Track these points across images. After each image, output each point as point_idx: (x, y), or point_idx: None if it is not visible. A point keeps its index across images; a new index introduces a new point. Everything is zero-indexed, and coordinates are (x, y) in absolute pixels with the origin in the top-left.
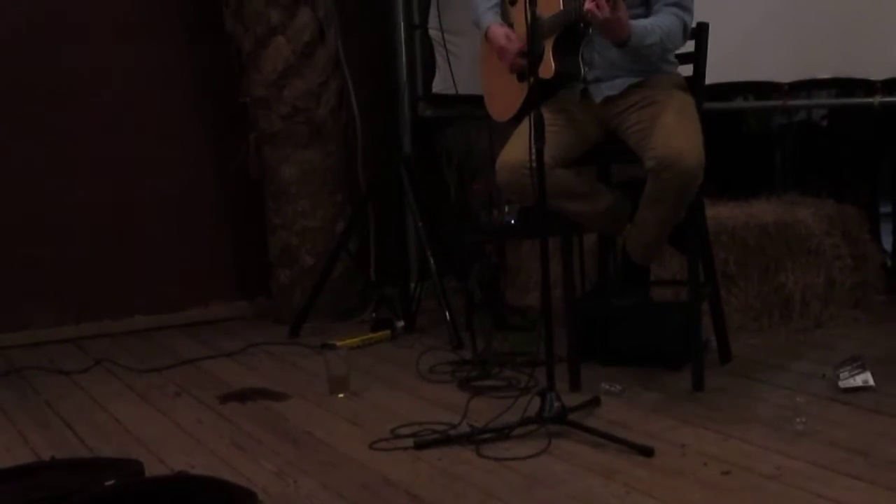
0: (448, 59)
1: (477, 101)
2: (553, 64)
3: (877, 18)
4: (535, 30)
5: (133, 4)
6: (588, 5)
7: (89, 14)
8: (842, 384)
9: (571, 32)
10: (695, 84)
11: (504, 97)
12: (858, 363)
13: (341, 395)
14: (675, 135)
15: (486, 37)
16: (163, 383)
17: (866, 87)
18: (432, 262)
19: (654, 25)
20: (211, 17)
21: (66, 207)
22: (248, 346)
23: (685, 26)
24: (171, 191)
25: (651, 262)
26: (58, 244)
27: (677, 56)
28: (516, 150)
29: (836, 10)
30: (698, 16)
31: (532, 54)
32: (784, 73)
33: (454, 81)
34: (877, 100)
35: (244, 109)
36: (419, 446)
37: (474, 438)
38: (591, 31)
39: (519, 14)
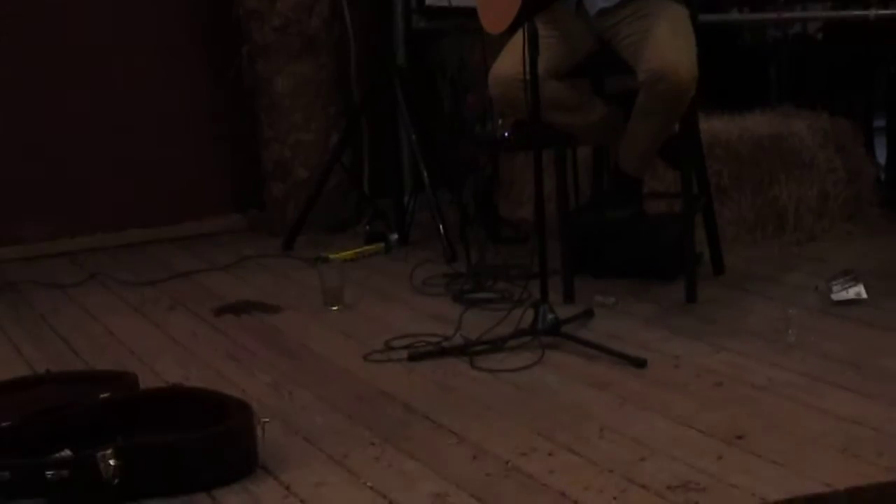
0: None
1: (471, 13)
2: None
3: None
4: None
5: None
6: None
7: None
8: (834, 297)
9: None
10: None
11: (498, 8)
12: (851, 276)
13: (335, 308)
14: (669, 47)
15: None
16: (157, 296)
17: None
18: (426, 175)
19: None
20: None
21: (60, 121)
22: (242, 259)
23: None
24: (164, 104)
25: (644, 174)
26: (51, 159)
27: None
28: (509, 63)
29: None
30: None
31: None
32: None
33: None
34: (872, 12)
35: (237, 21)
36: (413, 358)
37: (468, 351)
38: None
39: None
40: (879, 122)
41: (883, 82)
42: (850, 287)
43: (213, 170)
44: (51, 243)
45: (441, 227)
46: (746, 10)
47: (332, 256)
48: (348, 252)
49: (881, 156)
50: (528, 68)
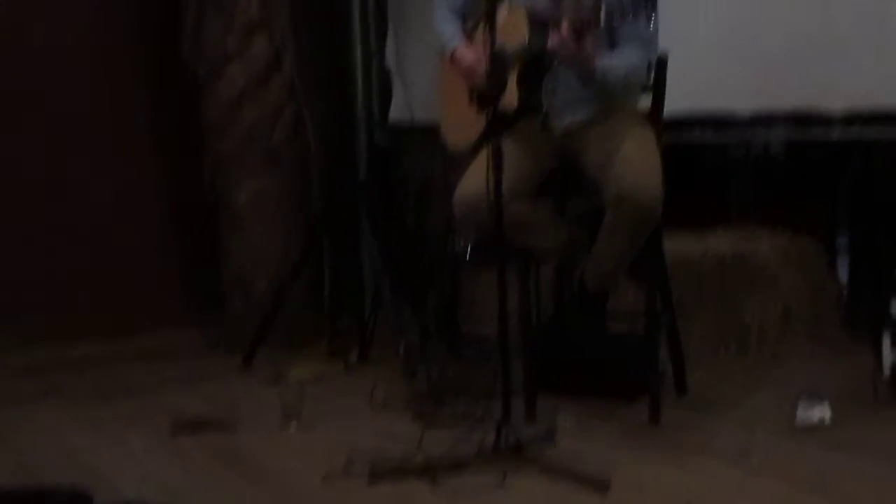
0: (405, 88)
1: (433, 129)
2: (516, 95)
3: (835, 51)
4: (496, 57)
5: (91, 27)
6: (552, 40)
7: (44, 35)
8: (799, 419)
9: (536, 63)
10: (654, 117)
11: (462, 126)
12: (816, 397)
13: (294, 427)
14: (635, 168)
15: (453, 59)
16: (114, 412)
17: (825, 120)
18: (387, 290)
19: (620, 61)
20: (168, 41)
21: (15, 230)
22: (200, 375)
23: (649, 62)
24: (125, 215)
25: (609, 292)
26: (7, 268)
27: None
28: (474, 183)
29: (794, 42)
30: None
31: (494, 86)
32: (742, 103)
33: (411, 110)
34: (836, 133)
35: (200, 134)
36: (374, 478)
37: (429, 471)
38: (556, 62)
39: (481, 46)
40: (842, 241)
41: (845, 201)
42: (814, 409)
43: (172, 282)
44: (5, 357)
45: (402, 343)
46: (709, 130)
47: (291, 373)
48: (308, 369)
49: (844, 275)
50: (492, 188)
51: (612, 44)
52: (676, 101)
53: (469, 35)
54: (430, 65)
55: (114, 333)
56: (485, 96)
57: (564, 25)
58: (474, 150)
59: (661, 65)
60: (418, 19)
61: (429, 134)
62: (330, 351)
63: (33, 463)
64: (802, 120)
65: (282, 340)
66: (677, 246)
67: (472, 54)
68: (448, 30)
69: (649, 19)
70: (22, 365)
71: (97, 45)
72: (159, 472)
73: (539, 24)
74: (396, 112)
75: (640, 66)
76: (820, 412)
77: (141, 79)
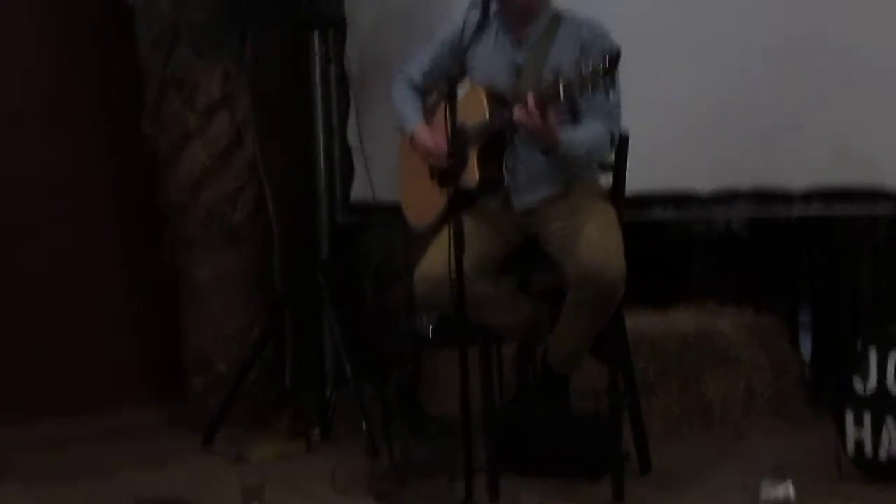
0: (366, 166)
1: (395, 208)
2: (477, 173)
3: (797, 130)
4: (456, 136)
5: (49, 100)
6: (518, 114)
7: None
8: (762, 496)
9: (497, 140)
10: (616, 194)
11: (423, 204)
12: (779, 474)
13: None
14: (598, 246)
15: (412, 139)
16: (71, 493)
17: (785, 198)
18: (349, 369)
19: (582, 136)
20: (129, 118)
21: None
22: (161, 455)
23: (612, 137)
24: (84, 294)
25: (572, 371)
26: None
27: (598, 166)
28: (435, 262)
29: (757, 120)
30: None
31: (454, 163)
32: (703, 182)
33: (372, 188)
34: (796, 211)
35: (160, 211)
36: None
37: None
38: (516, 139)
39: (440, 122)
40: (804, 318)
41: (806, 278)
42: (779, 486)
43: (132, 360)
44: None
45: (364, 422)
46: (671, 207)
47: (253, 453)
48: (269, 448)
49: (806, 352)
50: (454, 267)
51: (574, 118)
52: (637, 180)
53: (431, 109)
54: (392, 143)
55: (72, 412)
56: (445, 174)
57: (531, 98)
58: (436, 227)
59: (622, 143)
60: (381, 96)
61: (391, 212)
62: (292, 430)
63: None
64: (763, 197)
65: (243, 419)
66: (640, 324)
67: (430, 136)
68: (407, 109)
69: (607, 93)
70: None
71: (57, 119)
72: None
73: (499, 101)
74: (358, 190)
75: (603, 139)
76: (784, 490)
77: (101, 155)
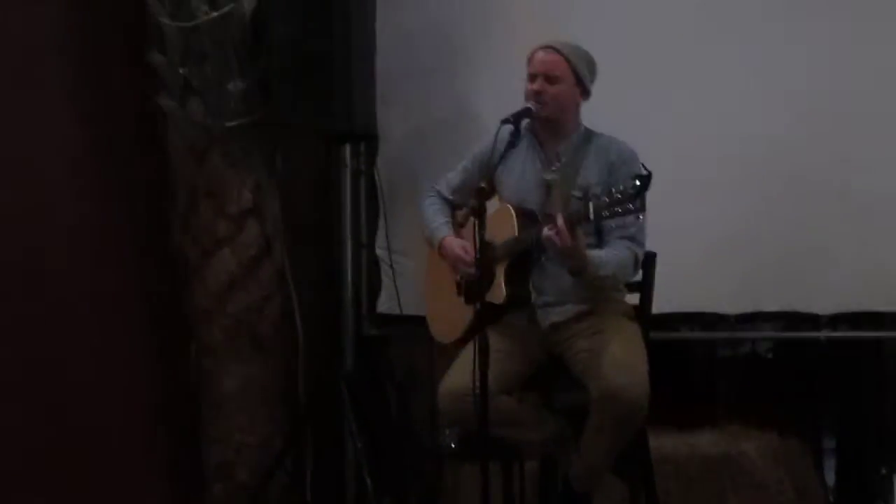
0: (394, 279)
1: (420, 321)
2: (504, 290)
3: (823, 254)
4: (484, 248)
5: (78, 216)
6: (547, 233)
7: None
8: None
9: (525, 258)
10: (642, 313)
11: (449, 318)
12: None
13: None
14: (622, 366)
15: (440, 249)
16: None
17: (812, 320)
18: (370, 483)
19: (609, 256)
20: (160, 225)
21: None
22: None
23: (637, 259)
24: (110, 403)
25: (593, 489)
26: None
27: (626, 284)
28: (460, 377)
29: (783, 244)
30: (647, 245)
31: (479, 278)
32: (730, 305)
33: (399, 301)
34: (823, 334)
35: (186, 320)
36: None
37: None
38: (543, 257)
39: (469, 238)
40: (829, 444)
41: (831, 403)
42: None
43: (155, 469)
44: None
45: None
46: (697, 328)
47: None
48: None
49: (830, 478)
50: (478, 382)
51: (599, 239)
52: (664, 300)
53: (461, 225)
54: (419, 257)
55: None
56: (472, 289)
57: (560, 219)
58: (461, 342)
59: (650, 262)
60: (410, 210)
61: (416, 324)
62: None
63: None
64: (790, 319)
65: None
66: (663, 444)
67: (458, 245)
68: (437, 220)
69: (637, 216)
70: None
71: (88, 227)
72: None
73: (527, 219)
74: (384, 303)
75: (629, 261)
76: None
77: (129, 263)
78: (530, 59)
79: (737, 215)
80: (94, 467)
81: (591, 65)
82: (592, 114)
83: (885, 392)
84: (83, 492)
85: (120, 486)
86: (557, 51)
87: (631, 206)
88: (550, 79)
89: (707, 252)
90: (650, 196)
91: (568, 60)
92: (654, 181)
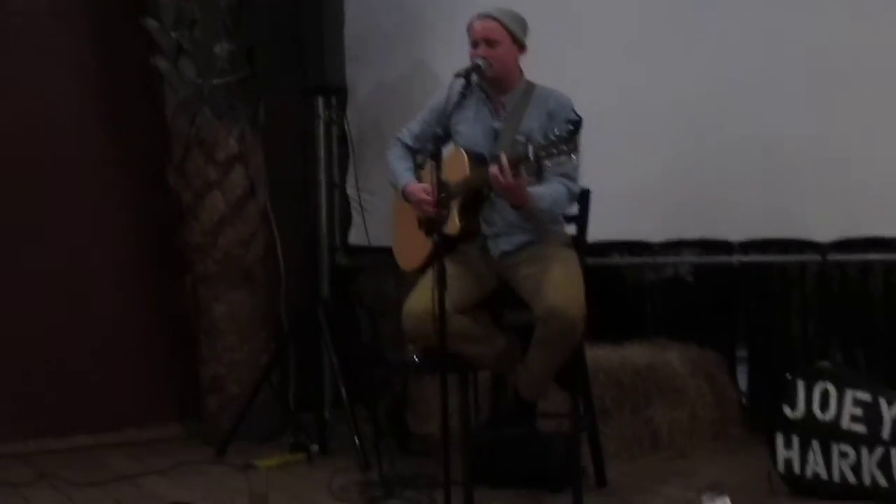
0: (362, 215)
1: (387, 252)
2: (458, 223)
3: (736, 191)
4: (441, 190)
5: (90, 153)
6: (492, 170)
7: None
8: None
9: (476, 195)
10: (578, 242)
11: (411, 249)
12: (718, 489)
13: None
14: (561, 288)
15: (404, 194)
16: (101, 497)
17: (726, 247)
18: (344, 393)
19: (547, 192)
20: (158, 171)
21: (19, 337)
22: (179, 465)
23: (571, 193)
24: (115, 325)
25: (539, 398)
26: (12, 369)
27: (564, 217)
28: (421, 300)
29: (702, 182)
30: (582, 183)
31: (439, 213)
32: (656, 235)
33: (367, 234)
34: (735, 258)
35: (182, 253)
36: None
37: None
38: (493, 194)
39: (427, 178)
40: (741, 353)
41: (744, 318)
42: (717, 499)
43: (155, 383)
44: (3, 445)
45: (357, 439)
46: (626, 254)
47: (259, 464)
48: (274, 460)
49: (743, 383)
50: (437, 303)
51: (539, 177)
52: (598, 230)
53: (420, 167)
54: (385, 195)
55: (102, 428)
56: (431, 223)
57: (503, 159)
58: (422, 269)
59: (585, 197)
60: (376, 154)
61: (383, 255)
62: (294, 444)
63: None
64: (707, 247)
65: (252, 434)
66: (598, 356)
67: (420, 189)
68: (400, 168)
69: (570, 157)
70: (20, 453)
71: (94, 171)
72: None
73: (478, 161)
74: (355, 236)
75: (564, 196)
76: (722, 502)
77: (132, 204)
78: (470, 28)
79: (662, 157)
80: (101, 387)
81: (523, 23)
82: (535, 70)
83: (789, 308)
84: (93, 409)
85: (124, 402)
86: (492, 17)
87: (565, 147)
88: (490, 42)
89: (636, 189)
90: (588, 139)
91: (503, 24)
92: (589, 124)
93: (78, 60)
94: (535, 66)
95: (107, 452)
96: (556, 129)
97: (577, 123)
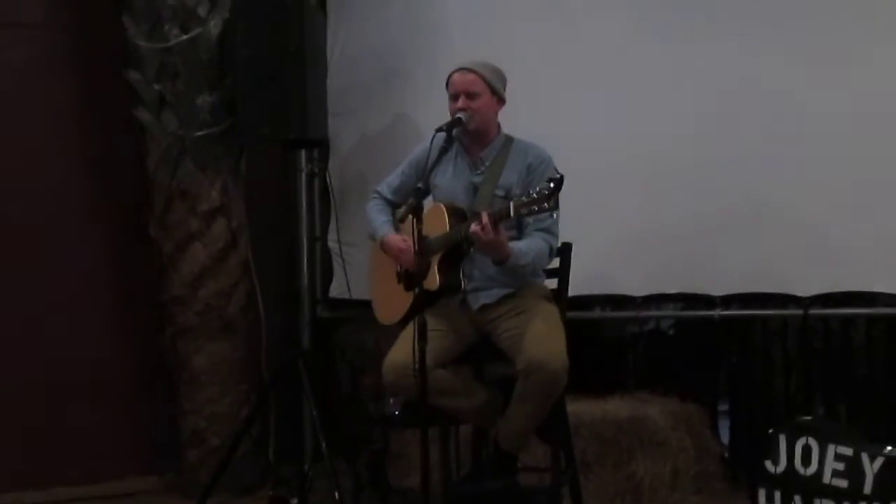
0: (344, 268)
1: (368, 305)
2: (438, 278)
3: (717, 243)
4: (422, 242)
5: (65, 209)
6: (473, 228)
7: (27, 214)
8: None
9: (456, 250)
10: (559, 295)
11: (391, 303)
12: None
13: None
14: (543, 341)
15: (383, 245)
16: None
17: (707, 301)
18: (325, 445)
19: (528, 248)
20: (139, 223)
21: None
22: None
23: (551, 249)
24: (96, 377)
25: (520, 451)
26: None
27: (545, 271)
28: (401, 353)
29: (683, 235)
30: (564, 236)
31: (420, 264)
32: (637, 288)
33: (349, 287)
34: (716, 313)
35: (163, 305)
36: None
37: None
38: (472, 249)
39: (407, 233)
40: (723, 407)
41: (725, 372)
42: None
43: (136, 436)
44: None
45: (337, 493)
46: (608, 308)
47: None
48: None
49: (725, 436)
50: (417, 358)
51: (520, 232)
52: (579, 285)
53: (400, 221)
54: (366, 248)
55: (82, 481)
56: (411, 277)
57: (485, 216)
58: (402, 323)
59: (566, 251)
60: (358, 207)
61: (364, 308)
62: (274, 498)
63: None
64: (689, 300)
65: (232, 487)
66: (580, 410)
67: (399, 239)
68: (379, 219)
69: (551, 214)
70: None
71: (76, 225)
72: None
73: (457, 216)
74: (336, 289)
75: (545, 252)
76: None
77: (113, 256)
78: (449, 82)
79: (643, 211)
80: (81, 438)
81: (501, 76)
82: (513, 114)
83: (771, 362)
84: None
85: (104, 454)
86: (471, 70)
87: (546, 204)
88: (470, 95)
89: (617, 242)
90: (565, 193)
91: (482, 77)
92: (570, 179)
93: (60, 112)
94: (517, 117)
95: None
96: (537, 186)
97: (558, 181)
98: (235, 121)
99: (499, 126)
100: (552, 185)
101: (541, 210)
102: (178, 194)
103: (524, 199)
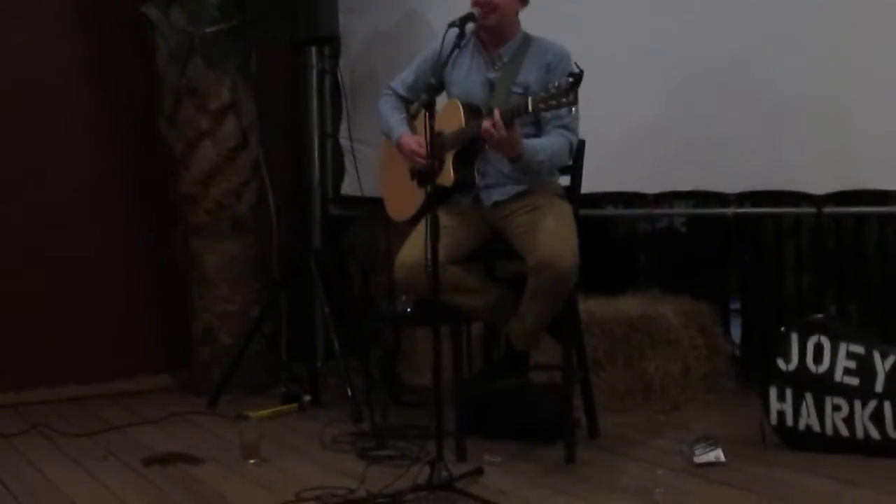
0: (355, 165)
1: (380, 202)
2: (452, 174)
3: (731, 141)
4: (434, 141)
5: (78, 106)
6: (485, 125)
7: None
8: (696, 459)
9: (470, 147)
10: (572, 193)
11: (403, 200)
12: (711, 441)
13: (252, 461)
14: (555, 238)
15: (398, 145)
16: (92, 447)
17: (720, 199)
18: (337, 344)
19: (544, 145)
20: (148, 121)
21: (12, 293)
22: (171, 415)
23: (571, 146)
24: (108, 278)
25: (531, 349)
26: (4, 321)
27: (558, 168)
28: (413, 250)
29: (697, 132)
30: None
31: (433, 164)
32: (649, 186)
33: (360, 184)
34: (730, 210)
35: (173, 205)
36: None
37: (370, 503)
38: (486, 145)
39: (420, 129)
40: (734, 305)
41: (737, 270)
42: (710, 451)
43: (148, 335)
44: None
45: (349, 390)
46: (620, 206)
47: (251, 414)
48: (266, 411)
49: (736, 335)
50: (430, 255)
51: (538, 129)
52: (592, 181)
53: (413, 117)
54: (378, 145)
55: (95, 379)
56: (424, 174)
57: (496, 113)
58: (414, 220)
59: (579, 148)
60: (369, 105)
61: (375, 205)
62: (286, 395)
63: (15, 492)
64: (701, 198)
65: (244, 385)
66: (591, 308)
67: (413, 141)
68: (393, 118)
69: (570, 109)
70: (11, 403)
71: (84, 123)
72: (131, 501)
73: (473, 112)
74: (347, 186)
75: (563, 148)
76: (715, 454)
77: (123, 155)
78: None
79: (657, 108)
80: (95, 338)
81: None
82: (531, 19)
83: (784, 261)
84: (86, 361)
85: (117, 353)
86: None
87: (565, 99)
88: None
89: (630, 139)
90: (583, 89)
91: None
92: (589, 79)
93: (65, 9)
94: (531, 16)
95: (98, 403)
96: (556, 81)
97: (577, 76)
98: (245, 17)
99: (519, 24)
100: (571, 79)
101: (559, 105)
102: (187, 92)
103: (543, 93)
